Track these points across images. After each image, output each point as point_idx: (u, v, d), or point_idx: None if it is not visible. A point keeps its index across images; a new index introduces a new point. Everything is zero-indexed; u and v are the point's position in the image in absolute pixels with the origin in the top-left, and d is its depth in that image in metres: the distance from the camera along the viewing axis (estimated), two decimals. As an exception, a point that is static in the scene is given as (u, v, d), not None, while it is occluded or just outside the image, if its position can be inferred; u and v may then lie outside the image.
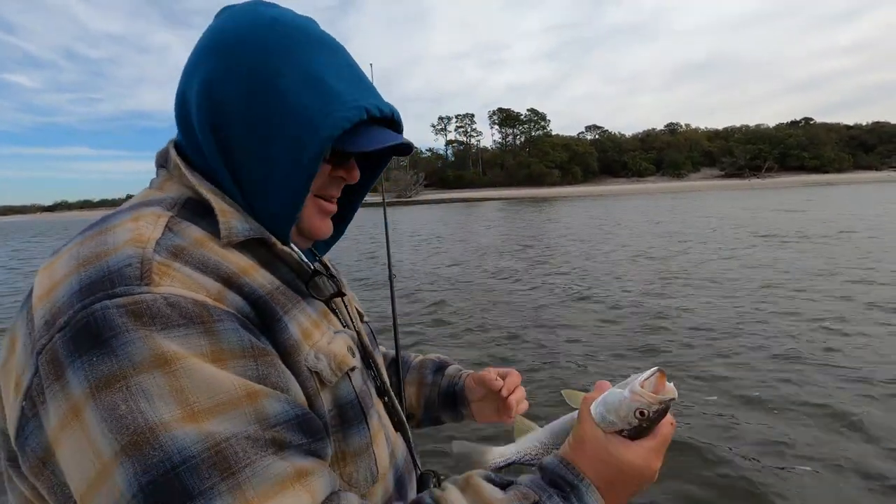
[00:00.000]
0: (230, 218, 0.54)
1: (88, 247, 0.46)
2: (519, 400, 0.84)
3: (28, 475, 0.43)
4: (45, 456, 0.41)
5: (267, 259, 0.57)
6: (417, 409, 0.94)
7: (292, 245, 0.63)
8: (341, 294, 0.66)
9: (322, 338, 0.57)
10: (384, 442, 0.63)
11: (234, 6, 0.61)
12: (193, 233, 0.51)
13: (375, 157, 0.74)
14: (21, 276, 12.39)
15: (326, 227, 0.65)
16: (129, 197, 0.57)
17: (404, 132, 0.64)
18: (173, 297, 0.42)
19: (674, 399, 0.51)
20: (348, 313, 0.70)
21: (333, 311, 0.65)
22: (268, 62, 0.55)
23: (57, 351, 0.40)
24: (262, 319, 0.50)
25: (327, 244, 0.77)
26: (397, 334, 1.01)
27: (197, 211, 0.54)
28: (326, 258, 0.79)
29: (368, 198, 0.79)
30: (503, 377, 0.85)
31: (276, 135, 0.55)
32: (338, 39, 0.61)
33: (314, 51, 0.58)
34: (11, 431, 0.43)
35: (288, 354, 0.51)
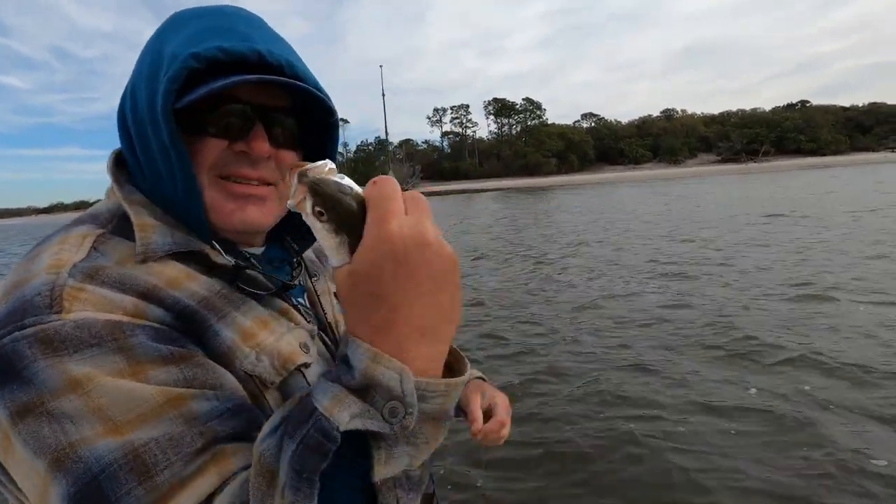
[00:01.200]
0: (150, 233, 0.53)
1: (17, 273, 0.48)
2: (485, 435, 0.79)
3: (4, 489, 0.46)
4: (4, 475, 0.44)
5: (207, 265, 0.55)
6: None
7: (245, 246, 0.62)
8: (289, 287, 0.62)
9: (269, 337, 0.55)
10: None
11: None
12: (121, 249, 0.51)
13: (319, 130, 0.66)
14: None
15: (247, 214, 0.58)
16: (50, 238, 0.54)
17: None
18: (82, 320, 0.43)
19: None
20: (321, 305, 0.69)
21: (295, 306, 0.63)
22: (146, 50, 0.57)
23: None
24: (190, 327, 0.50)
25: (301, 246, 0.69)
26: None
27: (124, 223, 0.54)
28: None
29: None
30: (491, 411, 0.81)
31: (143, 128, 0.53)
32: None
33: (174, 28, 0.56)
34: None
35: (221, 361, 0.50)
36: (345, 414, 0.35)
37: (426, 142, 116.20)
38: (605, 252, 9.46)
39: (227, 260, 0.56)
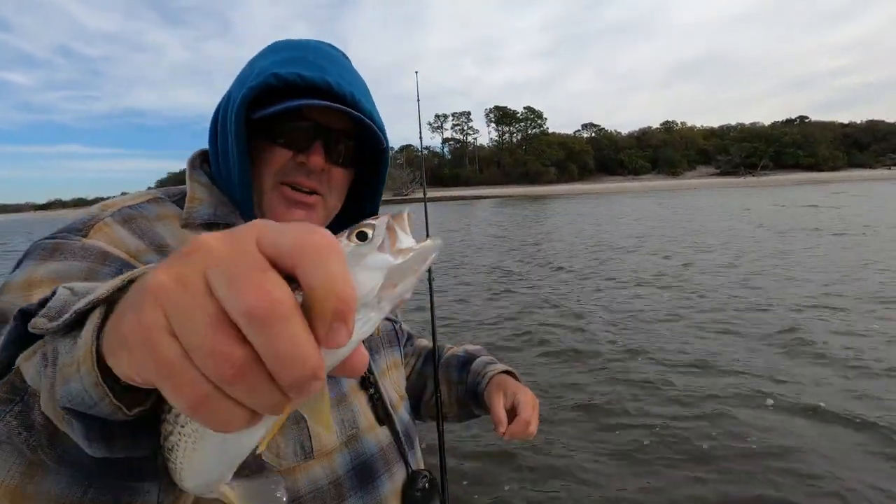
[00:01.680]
0: (196, 205, 0.64)
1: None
2: (513, 435, 0.81)
3: None
4: None
5: None
6: (453, 407, 0.95)
7: None
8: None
9: None
10: (332, 424, 0.63)
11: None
12: (166, 210, 0.63)
13: (371, 157, 0.74)
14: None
15: (294, 216, 0.65)
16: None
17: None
18: (91, 244, 0.53)
19: None
20: None
21: None
22: (243, 70, 0.67)
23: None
24: None
25: None
26: (435, 330, 1.05)
27: (183, 197, 0.67)
28: None
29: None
30: (515, 409, 0.82)
31: (224, 125, 0.64)
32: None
33: (271, 50, 0.66)
34: None
35: None
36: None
37: (427, 148, 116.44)
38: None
39: None
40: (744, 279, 7.36)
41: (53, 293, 0.32)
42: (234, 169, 0.63)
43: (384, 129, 0.69)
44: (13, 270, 0.51)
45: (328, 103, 0.61)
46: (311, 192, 0.66)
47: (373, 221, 0.28)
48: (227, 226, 0.63)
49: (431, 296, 1.16)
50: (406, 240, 0.29)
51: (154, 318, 0.21)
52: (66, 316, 0.27)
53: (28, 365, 0.29)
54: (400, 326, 0.86)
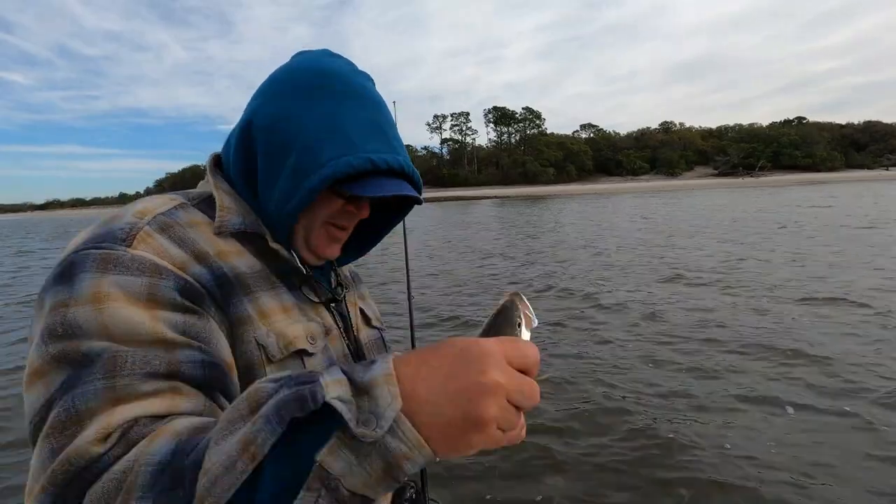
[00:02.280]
0: (228, 214, 0.66)
1: (111, 213, 0.59)
2: (510, 441, 0.81)
3: None
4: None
5: (261, 251, 0.67)
6: None
7: (293, 251, 0.71)
8: (333, 301, 0.76)
9: (284, 320, 0.65)
10: None
11: (304, 53, 0.74)
12: (194, 216, 0.63)
13: (396, 203, 0.82)
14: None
15: (332, 251, 0.73)
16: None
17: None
18: (140, 255, 0.53)
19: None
20: (348, 312, 0.80)
21: (331, 312, 0.74)
22: (301, 100, 0.66)
23: (48, 280, 0.52)
24: (222, 292, 0.59)
25: (340, 262, 0.84)
26: (414, 341, 1.10)
27: (211, 204, 0.67)
28: (348, 267, 0.89)
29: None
30: None
31: (288, 163, 0.64)
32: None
33: (344, 100, 0.67)
34: None
35: (236, 325, 0.60)
36: (335, 392, 0.38)
37: (425, 148, 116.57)
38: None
39: (299, 266, 0.70)
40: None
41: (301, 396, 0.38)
42: (286, 206, 0.65)
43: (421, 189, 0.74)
44: (59, 280, 0.51)
45: (411, 195, 0.68)
46: (345, 229, 0.73)
47: (529, 313, 0.52)
48: (258, 236, 0.67)
49: (411, 311, 1.16)
50: (533, 318, 0.53)
51: (491, 415, 0.38)
52: (386, 424, 0.36)
53: (333, 460, 0.37)
54: (384, 335, 0.89)
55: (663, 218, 19.10)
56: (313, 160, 0.63)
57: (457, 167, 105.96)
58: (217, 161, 0.74)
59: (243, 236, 0.66)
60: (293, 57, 0.73)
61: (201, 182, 0.73)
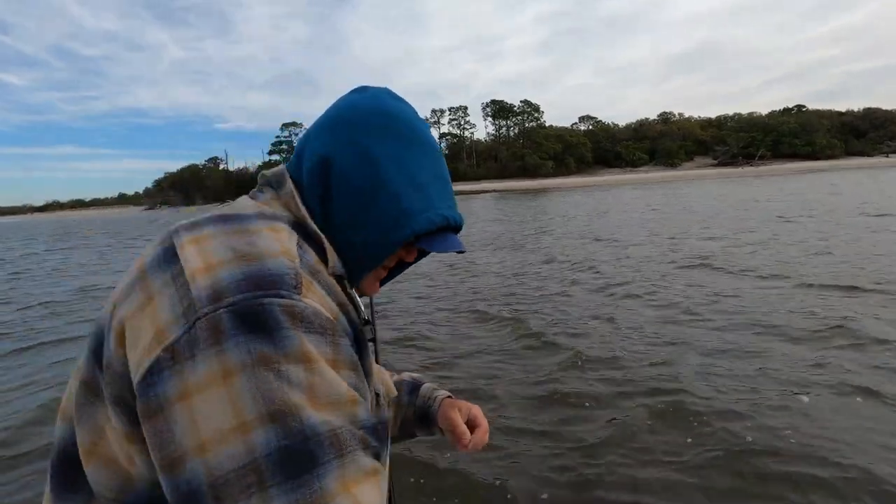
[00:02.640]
0: (331, 254, 0.63)
1: (240, 242, 0.52)
2: (476, 445, 0.93)
3: (141, 415, 0.47)
4: (167, 402, 0.45)
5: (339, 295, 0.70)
6: (394, 428, 1.03)
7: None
8: (373, 339, 0.80)
9: (376, 367, 0.72)
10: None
11: (368, 89, 0.72)
12: (312, 257, 0.60)
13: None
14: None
15: (376, 289, 0.76)
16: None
17: None
18: (316, 308, 0.51)
19: None
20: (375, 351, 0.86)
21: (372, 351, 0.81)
22: (381, 149, 0.65)
23: (221, 323, 0.46)
24: (356, 344, 0.61)
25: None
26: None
27: (304, 237, 0.62)
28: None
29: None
30: (472, 423, 0.95)
31: (374, 211, 0.64)
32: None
33: (421, 152, 0.68)
34: (136, 373, 0.47)
35: (367, 376, 0.62)
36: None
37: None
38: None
39: (363, 309, 0.72)
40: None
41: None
42: (370, 255, 0.66)
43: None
44: (253, 329, 0.46)
45: (462, 249, 0.70)
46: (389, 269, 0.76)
47: None
48: (347, 280, 0.67)
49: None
50: None
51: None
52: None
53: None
54: None
55: (678, 209, 18.95)
56: (398, 213, 0.64)
57: (455, 161, 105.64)
58: (274, 181, 0.69)
59: (340, 279, 0.65)
60: (359, 93, 0.72)
61: (265, 197, 0.67)
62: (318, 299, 0.53)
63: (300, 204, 0.64)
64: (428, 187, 0.66)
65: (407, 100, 0.72)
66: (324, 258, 0.61)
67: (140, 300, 0.50)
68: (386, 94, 0.72)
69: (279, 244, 0.54)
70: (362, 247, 0.65)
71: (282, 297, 0.48)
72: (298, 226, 0.63)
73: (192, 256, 0.50)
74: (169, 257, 0.52)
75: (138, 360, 0.47)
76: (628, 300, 5.99)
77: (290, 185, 0.66)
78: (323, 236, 0.63)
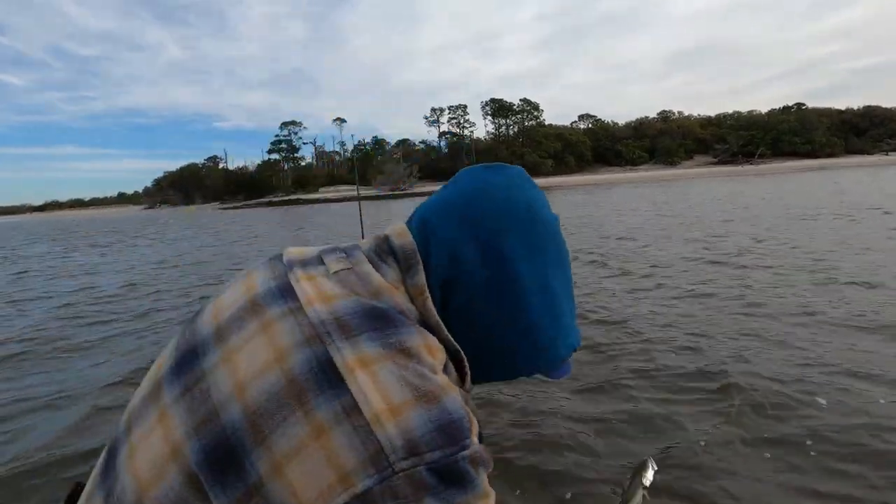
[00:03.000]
0: (468, 378, 0.59)
1: (412, 374, 0.49)
2: None
3: None
4: None
5: None
6: None
7: None
8: None
9: None
10: None
11: (504, 171, 0.64)
12: (453, 377, 0.56)
13: None
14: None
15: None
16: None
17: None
18: (481, 448, 0.50)
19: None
20: None
21: None
22: (525, 267, 0.58)
23: (423, 480, 0.45)
24: None
25: None
26: None
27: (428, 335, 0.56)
28: None
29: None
30: None
31: (507, 338, 0.59)
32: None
33: (560, 265, 0.62)
34: None
35: None
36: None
37: (423, 142, 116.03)
38: None
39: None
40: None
41: None
42: (478, 377, 0.62)
43: None
44: (453, 484, 0.46)
45: (569, 375, 0.69)
46: None
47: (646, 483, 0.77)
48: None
49: None
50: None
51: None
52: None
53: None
54: None
55: (689, 207, 18.90)
56: (531, 348, 0.60)
57: (455, 160, 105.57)
58: (402, 259, 0.59)
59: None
60: (494, 174, 0.63)
61: (392, 277, 0.57)
62: (474, 431, 0.51)
63: (434, 310, 0.57)
64: (563, 311, 0.61)
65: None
66: (460, 375, 0.58)
67: (307, 431, 0.45)
68: (524, 181, 0.65)
69: (442, 377, 0.51)
70: (477, 366, 0.60)
71: (467, 447, 0.48)
72: (425, 324, 0.56)
73: (370, 392, 0.47)
74: (333, 381, 0.47)
75: (312, 499, 0.45)
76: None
77: (423, 278, 0.57)
78: (463, 356, 0.58)
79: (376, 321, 0.51)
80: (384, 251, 0.59)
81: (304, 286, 0.52)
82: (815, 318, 4.49)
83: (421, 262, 0.58)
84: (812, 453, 2.50)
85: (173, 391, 0.50)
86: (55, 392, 3.95)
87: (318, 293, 0.51)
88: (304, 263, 0.56)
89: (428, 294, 0.57)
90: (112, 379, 4.12)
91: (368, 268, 0.56)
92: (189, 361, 0.51)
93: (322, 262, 0.57)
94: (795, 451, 2.53)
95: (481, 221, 0.58)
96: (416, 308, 0.56)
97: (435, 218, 0.60)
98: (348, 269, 0.55)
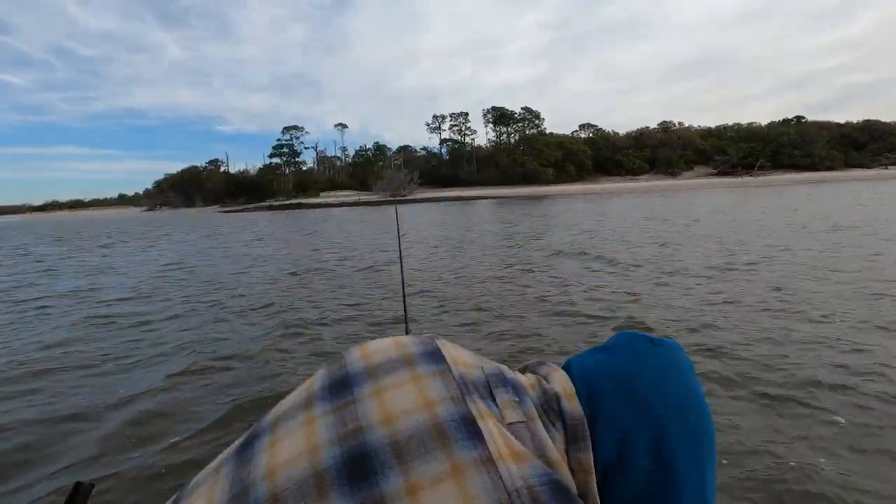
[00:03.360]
0: None
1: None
2: None
3: None
4: None
5: None
6: None
7: None
8: None
9: None
10: None
11: (667, 349, 0.60)
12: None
13: None
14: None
15: None
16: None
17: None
18: None
19: None
20: None
21: None
22: (688, 457, 0.54)
23: None
24: None
25: None
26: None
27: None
28: None
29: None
30: None
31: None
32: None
33: (711, 457, 0.56)
34: None
35: None
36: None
37: (424, 148, 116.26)
38: None
39: None
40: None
41: None
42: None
43: None
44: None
45: None
46: None
47: None
48: None
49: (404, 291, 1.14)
50: None
51: None
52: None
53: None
54: None
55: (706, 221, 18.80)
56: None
57: (456, 167, 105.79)
58: (570, 427, 0.54)
59: None
60: (662, 351, 0.59)
61: (527, 412, 0.53)
62: None
63: (597, 493, 0.53)
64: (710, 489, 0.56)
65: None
66: None
67: (444, 468, 0.47)
68: (688, 363, 0.60)
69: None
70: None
71: None
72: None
73: (500, 442, 0.48)
74: (472, 433, 0.48)
75: None
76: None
77: (591, 456, 0.53)
78: (589, 480, 0.54)
79: (563, 498, 0.48)
80: (553, 411, 0.55)
81: (492, 430, 0.49)
82: None
83: (589, 436, 0.54)
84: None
85: (324, 406, 0.53)
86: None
87: (508, 448, 0.48)
88: (477, 387, 0.53)
89: (594, 476, 0.53)
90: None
91: (543, 432, 0.53)
92: (342, 386, 0.54)
93: (492, 395, 0.54)
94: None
95: (659, 414, 0.54)
96: (576, 484, 0.53)
97: (604, 391, 0.56)
98: (522, 422, 0.52)
